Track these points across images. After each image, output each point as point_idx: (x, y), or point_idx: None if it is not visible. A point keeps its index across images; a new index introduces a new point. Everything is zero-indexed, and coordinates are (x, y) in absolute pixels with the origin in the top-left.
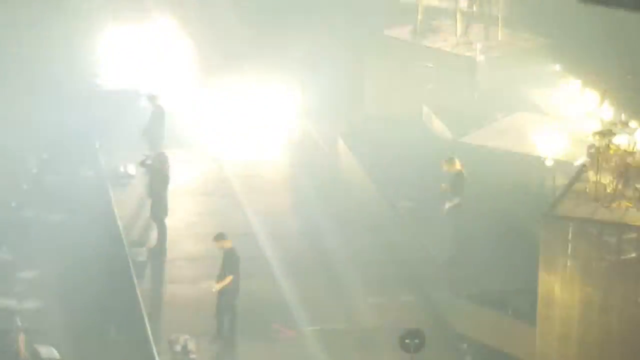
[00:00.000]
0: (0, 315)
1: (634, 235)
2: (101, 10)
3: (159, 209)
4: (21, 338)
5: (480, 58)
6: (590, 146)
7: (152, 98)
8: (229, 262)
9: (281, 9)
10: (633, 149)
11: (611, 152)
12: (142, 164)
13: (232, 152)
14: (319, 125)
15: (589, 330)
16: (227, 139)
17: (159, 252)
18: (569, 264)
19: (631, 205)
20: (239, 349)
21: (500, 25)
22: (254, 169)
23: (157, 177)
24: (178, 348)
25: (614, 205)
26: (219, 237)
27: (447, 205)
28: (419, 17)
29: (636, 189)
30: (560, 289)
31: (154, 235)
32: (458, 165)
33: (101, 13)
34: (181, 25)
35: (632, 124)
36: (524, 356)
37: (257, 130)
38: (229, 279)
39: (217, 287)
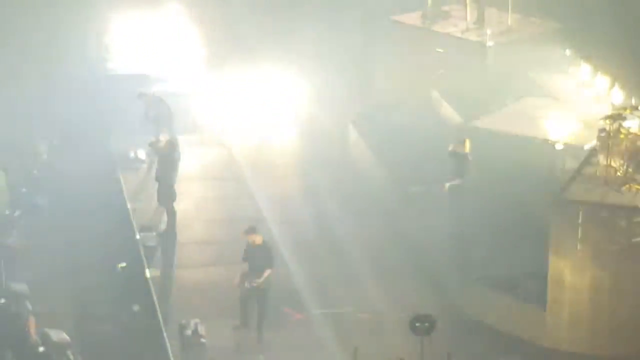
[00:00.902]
0: (10, 300)
1: None
2: None
3: (168, 194)
4: (31, 322)
5: (490, 43)
6: (601, 130)
7: (141, 95)
8: (266, 255)
9: None
10: None
11: (621, 135)
12: (153, 145)
13: (243, 137)
14: (329, 111)
15: (598, 314)
16: (237, 125)
17: (169, 237)
18: (579, 248)
19: None
20: (250, 333)
21: (510, 10)
22: (264, 154)
23: (167, 161)
24: (189, 332)
25: (624, 188)
26: (250, 230)
27: (448, 184)
28: (429, 2)
29: None
30: (570, 272)
31: (164, 220)
32: (466, 148)
33: None
34: (191, 10)
35: None
36: (534, 340)
37: (267, 116)
38: (267, 272)
39: (259, 282)
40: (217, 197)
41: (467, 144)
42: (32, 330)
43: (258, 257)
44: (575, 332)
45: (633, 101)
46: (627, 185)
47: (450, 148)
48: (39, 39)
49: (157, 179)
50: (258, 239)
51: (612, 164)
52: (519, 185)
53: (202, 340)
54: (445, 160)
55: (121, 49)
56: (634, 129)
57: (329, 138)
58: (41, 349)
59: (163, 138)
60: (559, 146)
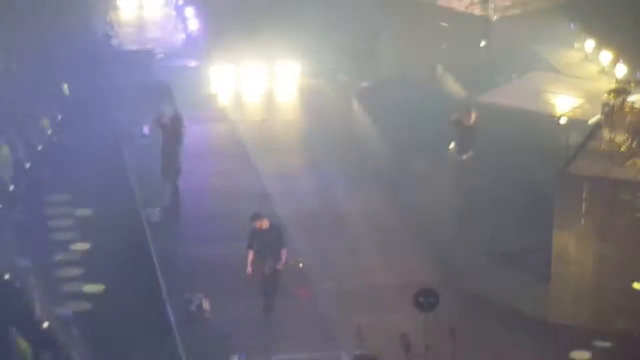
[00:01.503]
0: (15, 275)
1: None
2: None
3: (172, 170)
4: (35, 297)
5: (495, 17)
6: (605, 104)
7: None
8: (278, 236)
9: None
10: None
11: (626, 110)
12: (157, 122)
13: (247, 112)
14: (333, 85)
15: (602, 288)
16: (241, 99)
17: (172, 213)
18: (583, 222)
19: None
20: (254, 308)
21: None
22: (267, 129)
23: (172, 137)
24: (193, 307)
25: (628, 163)
26: (256, 216)
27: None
28: None
29: None
30: (574, 246)
31: (167, 195)
32: (472, 120)
33: None
34: None
35: None
36: (538, 313)
37: (272, 91)
38: (284, 252)
39: (282, 264)
40: (221, 173)
41: (474, 116)
42: (37, 305)
43: (268, 240)
44: (579, 305)
45: (638, 75)
46: (632, 160)
47: (454, 117)
48: (44, 15)
49: (162, 154)
50: (265, 224)
51: (616, 138)
52: (523, 159)
53: (206, 315)
54: (447, 133)
55: (126, 25)
56: (638, 104)
57: (333, 112)
58: (46, 324)
59: (167, 113)
60: (563, 120)
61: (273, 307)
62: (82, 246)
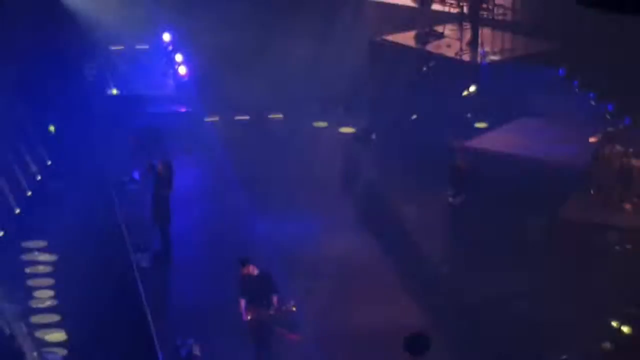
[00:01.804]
0: (3, 321)
1: None
2: None
3: (162, 215)
4: (26, 343)
5: (484, 63)
6: (595, 150)
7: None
8: (268, 283)
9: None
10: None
11: (615, 156)
12: (149, 170)
13: (237, 155)
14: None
15: None
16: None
17: (163, 257)
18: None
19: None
20: (246, 353)
21: (503, 30)
22: (267, 172)
23: (161, 182)
24: (183, 353)
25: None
26: (245, 262)
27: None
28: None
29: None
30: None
31: (157, 240)
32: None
33: None
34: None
35: (635, 128)
36: None
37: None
38: (275, 299)
39: (273, 311)
40: (211, 217)
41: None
42: (27, 352)
43: (259, 287)
44: None
45: (627, 121)
46: (622, 204)
47: (454, 162)
48: (34, 58)
49: (152, 199)
50: (253, 270)
51: (606, 183)
52: (513, 204)
53: None
54: (439, 181)
55: (116, 70)
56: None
57: (335, 155)
58: None
59: (157, 159)
60: (551, 165)
61: (268, 353)
62: (71, 292)
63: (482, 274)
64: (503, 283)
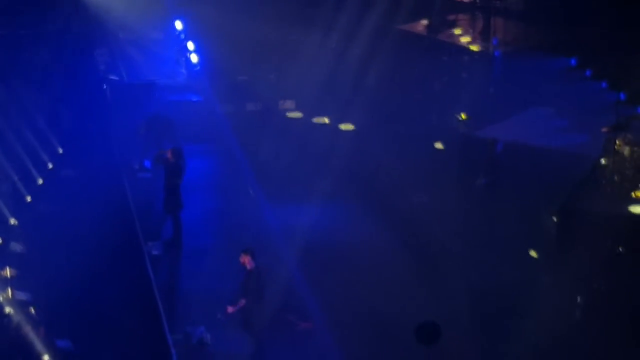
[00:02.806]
0: (14, 309)
1: None
2: None
3: (174, 203)
4: (40, 331)
5: (496, 52)
6: (607, 140)
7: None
8: (247, 284)
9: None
10: None
11: (627, 145)
12: (159, 159)
13: (249, 146)
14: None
15: None
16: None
17: (174, 246)
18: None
19: None
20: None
21: (516, 20)
22: (268, 162)
23: (173, 171)
24: (194, 340)
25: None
26: (248, 252)
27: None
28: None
29: None
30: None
31: (169, 228)
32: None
33: None
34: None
35: None
36: None
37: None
38: (241, 302)
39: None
40: (223, 206)
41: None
42: (37, 340)
43: (253, 282)
44: None
45: (638, 111)
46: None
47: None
48: (46, 47)
49: (164, 188)
50: (248, 262)
51: (619, 173)
52: (527, 194)
53: (208, 348)
54: (450, 169)
55: (128, 58)
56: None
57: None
58: (46, 357)
59: (169, 147)
60: (564, 155)
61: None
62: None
63: (497, 262)
64: (516, 272)
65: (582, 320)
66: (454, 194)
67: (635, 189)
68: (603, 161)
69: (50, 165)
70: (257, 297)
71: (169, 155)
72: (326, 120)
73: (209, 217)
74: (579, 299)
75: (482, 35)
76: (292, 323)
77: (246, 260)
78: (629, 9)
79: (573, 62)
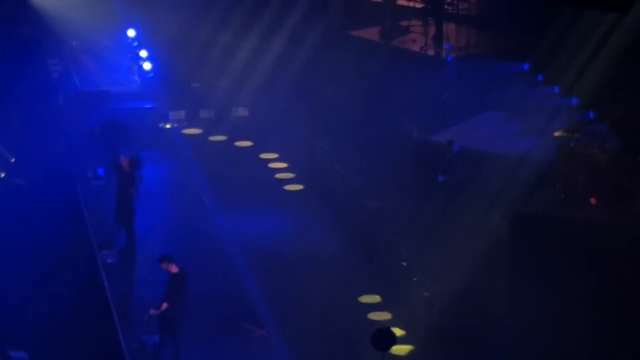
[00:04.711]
0: None
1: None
2: None
3: (127, 212)
4: None
5: (449, 58)
6: (559, 144)
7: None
8: (170, 288)
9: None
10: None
11: (579, 149)
12: (113, 164)
13: (203, 152)
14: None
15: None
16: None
17: (128, 255)
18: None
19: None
20: (215, 348)
21: (468, 25)
22: (225, 168)
23: (127, 179)
24: (149, 349)
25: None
26: (165, 259)
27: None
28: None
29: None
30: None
31: (123, 237)
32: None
33: None
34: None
35: (599, 122)
36: None
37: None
38: (164, 305)
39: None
40: (175, 215)
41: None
42: None
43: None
44: None
45: (590, 115)
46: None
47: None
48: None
49: (116, 196)
50: (173, 268)
51: (570, 177)
52: (478, 199)
53: (163, 357)
54: (405, 175)
55: (81, 65)
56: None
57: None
58: None
59: (123, 155)
60: (516, 160)
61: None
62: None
63: (447, 267)
64: (469, 277)
65: (536, 323)
66: (409, 200)
67: (587, 193)
68: (555, 166)
69: (2, 175)
70: (180, 300)
71: (124, 163)
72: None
73: (163, 224)
74: (531, 302)
75: (435, 41)
76: (247, 330)
77: (168, 266)
78: (580, 15)
79: (525, 67)
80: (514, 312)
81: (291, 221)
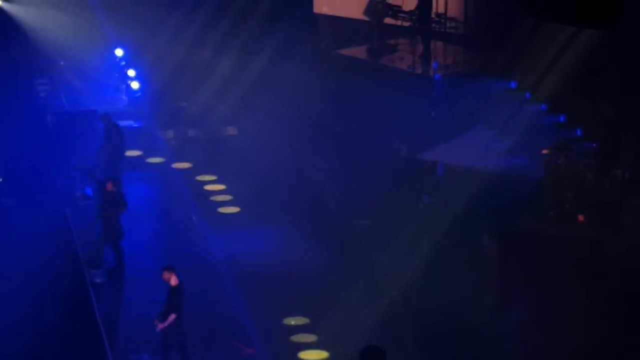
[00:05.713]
0: None
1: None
2: None
3: (113, 232)
4: None
5: (437, 76)
6: (547, 162)
7: (104, 117)
8: (174, 299)
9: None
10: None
11: (568, 168)
12: (90, 175)
13: (190, 172)
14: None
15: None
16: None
17: (117, 273)
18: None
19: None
20: None
21: (455, 43)
22: (216, 188)
23: (113, 200)
24: None
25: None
26: (169, 269)
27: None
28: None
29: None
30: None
31: (111, 256)
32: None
33: None
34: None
35: (588, 140)
36: None
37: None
38: (172, 317)
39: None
40: (164, 233)
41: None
42: None
43: (169, 299)
44: None
45: (579, 133)
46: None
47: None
48: None
49: (101, 216)
50: (174, 280)
51: (559, 195)
52: (467, 216)
53: None
54: (392, 191)
55: (69, 85)
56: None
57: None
58: None
59: (108, 179)
60: (505, 177)
61: None
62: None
63: (436, 284)
64: (457, 294)
65: (525, 340)
66: (396, 217)
67: (575, 210)
68: (544, 183)
69: None
70: (182, 313)
71: (109, 185)
72: None
73: (152, 243)
74: (520, 319)
75: (423, 59)
76: (235, 348)
77: (170, 277)
78: (566, 30)
79: (513, 84)
80: (502, 328)
81: (279, 239)
